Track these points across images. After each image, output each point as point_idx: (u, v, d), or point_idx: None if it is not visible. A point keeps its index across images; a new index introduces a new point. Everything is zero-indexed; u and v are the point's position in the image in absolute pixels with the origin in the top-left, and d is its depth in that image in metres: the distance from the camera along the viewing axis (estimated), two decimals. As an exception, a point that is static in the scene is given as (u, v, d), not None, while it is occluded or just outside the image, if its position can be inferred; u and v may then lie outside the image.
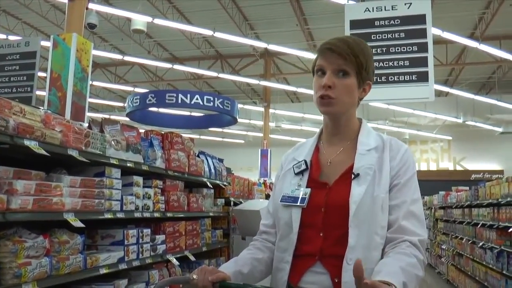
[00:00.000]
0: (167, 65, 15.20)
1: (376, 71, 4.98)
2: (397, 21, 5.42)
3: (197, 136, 18.99)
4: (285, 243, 1.62)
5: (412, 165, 1.62)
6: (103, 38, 16.50)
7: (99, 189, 2.87)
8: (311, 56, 14.01)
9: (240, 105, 9.93)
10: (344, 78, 1.59)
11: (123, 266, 3.10)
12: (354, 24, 5.52)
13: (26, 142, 2.30)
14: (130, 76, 19.36)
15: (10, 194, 2.22)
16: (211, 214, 4.69)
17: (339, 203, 1.55)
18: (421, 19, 5.37)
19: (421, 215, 1.55)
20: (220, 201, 5.03)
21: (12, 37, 13.51)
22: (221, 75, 15.41)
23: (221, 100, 9.24)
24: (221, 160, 5.04)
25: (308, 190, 1.62)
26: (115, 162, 3.00)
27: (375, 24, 5.45)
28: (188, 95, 9.02)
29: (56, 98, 6.49)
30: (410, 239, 1.48)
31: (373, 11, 5.55)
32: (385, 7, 5.54)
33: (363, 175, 1.56)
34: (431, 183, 19.70)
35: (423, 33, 5.31)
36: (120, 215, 3.05)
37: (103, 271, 2.88)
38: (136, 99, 9.50)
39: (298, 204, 1.60)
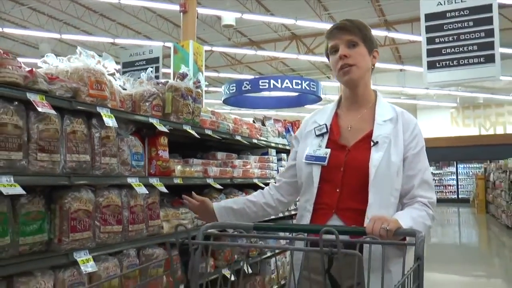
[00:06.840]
0: (251, 52, 16.63)
1: (448, 56, 6.18)
2: (466, 12, 6.46)
3: (274, 113, 20.43)
4: (308, 195, 1.88)
5: (421, 138, 1.86)
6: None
7: (267, 163, 4.39)
8: (383, 33, 14.91)
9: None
10: (355, 48, 1.86)
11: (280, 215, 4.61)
12: (429, 17, 6.61)
13: (237, 137, 3.82)
14: (210, 61, 21.01)
15: (233, 168, 3.76)
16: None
17: (359, 165, 1.79)
18: (488, 8, 6.38)
19: (431, 181, 1.84)
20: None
21: (118, 40, 15.50)
22: (300, 57, 16.65)
23: (307, 82, 10.54)
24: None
25: (328, 150, 1.85)
26: (273, 145, 4.52)
27: (447, 16, 6.52)
28: (279, 80, 10.37)
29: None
30: (421, 200, 1.77)
31: (444, 4, 6.63)
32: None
33: (381, 143, 1.79)
34: (509, 147, 19.92)
35: (489, 21, 6.30)
36: (278, 180, 4.56)
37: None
38: (232, 86, 10.86)
39: (319, 162, 1.84)
